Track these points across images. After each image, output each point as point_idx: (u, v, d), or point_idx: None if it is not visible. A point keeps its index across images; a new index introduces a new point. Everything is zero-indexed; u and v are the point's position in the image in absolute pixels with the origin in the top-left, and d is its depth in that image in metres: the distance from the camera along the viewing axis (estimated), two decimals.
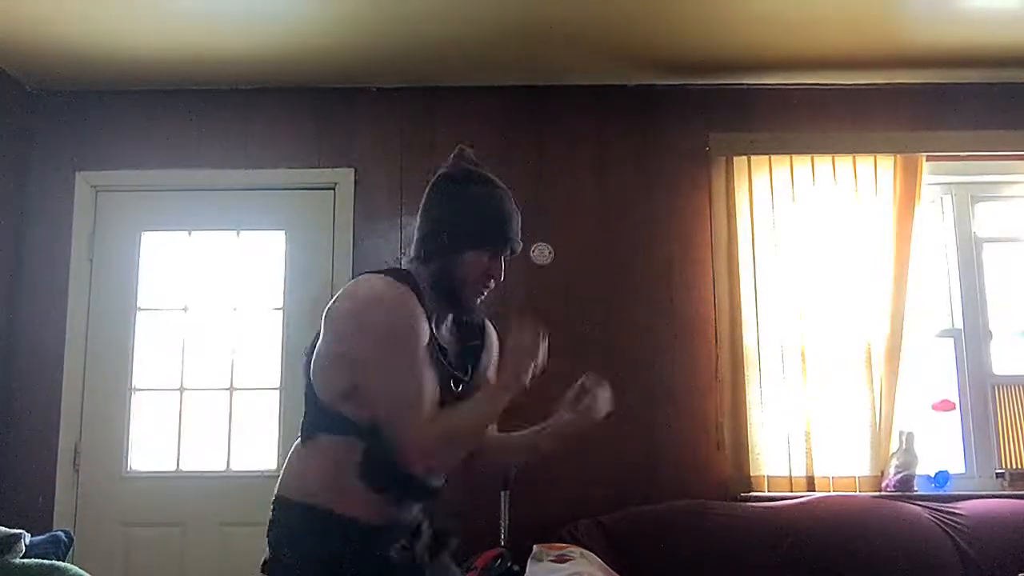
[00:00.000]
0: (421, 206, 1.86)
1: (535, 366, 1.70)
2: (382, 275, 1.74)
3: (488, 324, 1.96)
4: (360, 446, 1.68)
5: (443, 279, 1.79)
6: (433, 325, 1.77)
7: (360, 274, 1.80)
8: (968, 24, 3.19)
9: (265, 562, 1.74)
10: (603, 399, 1.80)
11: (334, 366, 1.71)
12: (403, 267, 1.83)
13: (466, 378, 1.84)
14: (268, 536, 1.75)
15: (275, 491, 1.77)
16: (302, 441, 1.77)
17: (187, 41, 3.28)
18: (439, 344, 1.78)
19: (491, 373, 1.92)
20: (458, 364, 1.83)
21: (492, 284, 1.84)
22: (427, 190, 1.86)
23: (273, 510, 1.76)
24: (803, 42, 3.32)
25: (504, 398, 1.70)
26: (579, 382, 1.80)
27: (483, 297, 1.85)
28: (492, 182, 1.85)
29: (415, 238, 1.85)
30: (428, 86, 3.66)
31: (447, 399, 1.76)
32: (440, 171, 1.87)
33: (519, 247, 1.85)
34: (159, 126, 3.67)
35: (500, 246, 1.81)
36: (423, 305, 1.72)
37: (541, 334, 1.70)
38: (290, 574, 1.71)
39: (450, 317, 1.86)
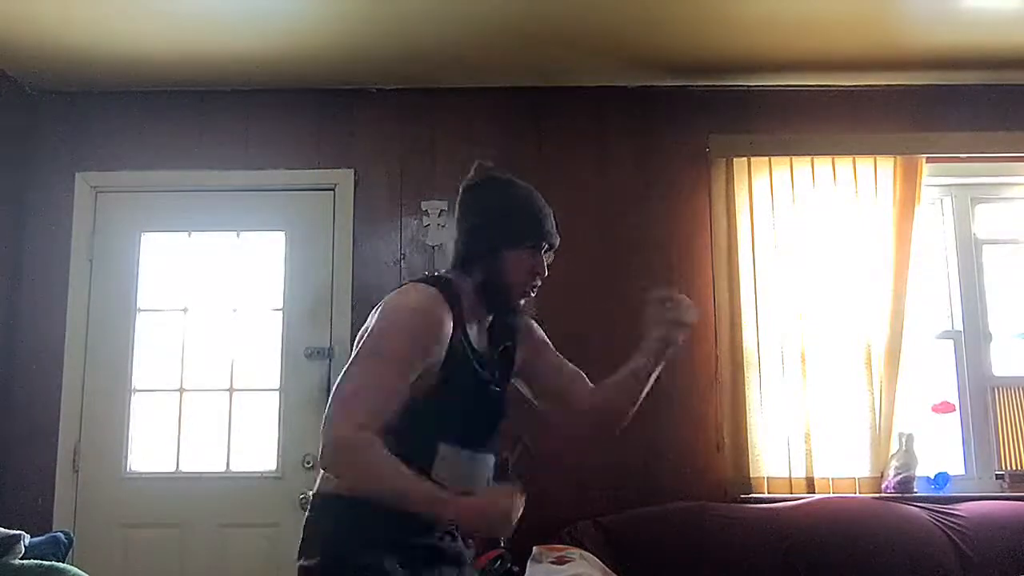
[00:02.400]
0: (455, 220, 1.87)
1: (499, 522, 1.62)
2: (419, 283, 1.76)
3: (526, 320, 1.95)
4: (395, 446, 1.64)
5: (489, 282, 1.79)
6: (474, 331, 1.79)
7: (405, 282, 1.83)
8: (968, 26, 3.19)
9: (301, 567, 1.69)
10: (686, 306, 1.87)
11: None
12: (445, 275, 1.84)
13: (498, 389, 1.84)
14: (304, 532, 1.72)
15: (315, 488, 1.76)
16: None
17: (187, 41, 3.28)
18: (475, 351, 1.78)
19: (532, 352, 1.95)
20: (495, 373, 1.83)
21: (538, 281, 1.84)
22: (456, 204, 1.87)
23: (310, 508, 1.74)
24: (803, 44, 3.32)
25: (427, 508, 1.60)
26: (654, 296, 1.88)
27: (531, 295, 1.85)
28: (516, 183, 1.88)
29: (453, 250, 1.86)
30: (428, 87, 3.66)
31: (479, 406, 1.77)
32: (464, 183, 1.88)
33: (556, 240, 1.86)
34: (159, 126, 3.66)
35: (537, 240, 1.82)
36: (458, 314, 1.72)
37: (517, 494, 1.64)
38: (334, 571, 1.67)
39: (487, 320, 1.85)
